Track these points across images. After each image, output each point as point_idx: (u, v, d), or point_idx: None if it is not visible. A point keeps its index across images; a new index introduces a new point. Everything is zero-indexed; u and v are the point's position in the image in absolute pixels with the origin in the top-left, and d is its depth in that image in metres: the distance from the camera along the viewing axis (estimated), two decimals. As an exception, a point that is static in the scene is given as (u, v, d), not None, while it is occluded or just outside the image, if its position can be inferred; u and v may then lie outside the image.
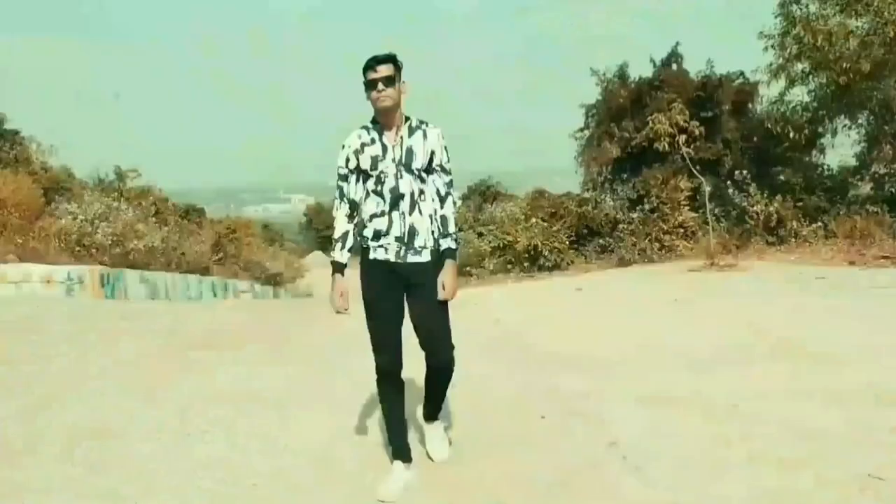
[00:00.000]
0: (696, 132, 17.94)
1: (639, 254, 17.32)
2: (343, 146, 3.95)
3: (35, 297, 14.28)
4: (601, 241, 19.33)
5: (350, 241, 3.95)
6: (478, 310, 10.96)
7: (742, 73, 19.00)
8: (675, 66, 19.88)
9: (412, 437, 4.34)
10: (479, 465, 4.14)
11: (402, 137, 3.88)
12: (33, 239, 17.72)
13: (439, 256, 3.92)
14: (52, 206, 20.85)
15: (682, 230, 17.40)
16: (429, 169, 3.92)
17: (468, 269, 21.45)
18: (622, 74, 20.58)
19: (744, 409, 4.89)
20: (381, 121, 3.88)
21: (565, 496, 3.71)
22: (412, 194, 3.86)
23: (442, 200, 3.95)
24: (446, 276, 3.89)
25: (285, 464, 4.26)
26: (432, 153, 3.91)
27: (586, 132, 21.56)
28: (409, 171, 3.86)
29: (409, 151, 3.86)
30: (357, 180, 3.94)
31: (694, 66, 19.83)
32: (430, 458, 4.30)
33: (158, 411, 5.38)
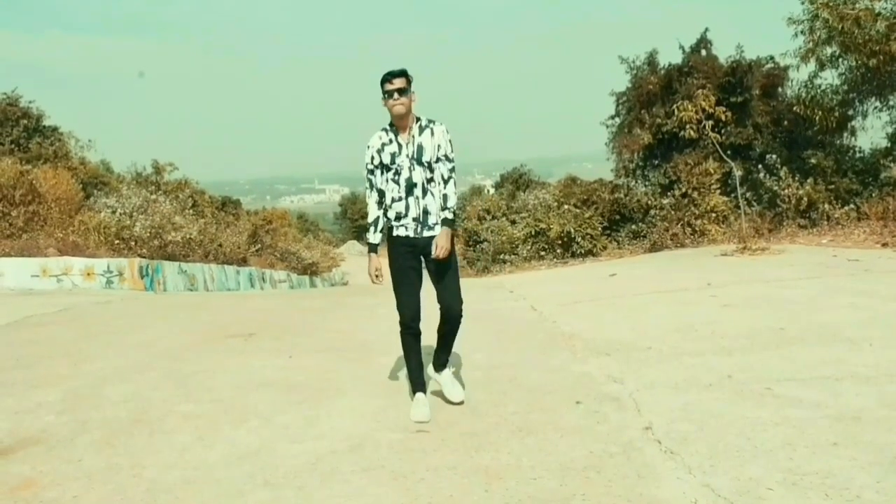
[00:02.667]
0: (724, 117, 17.75)
1: (671, 239, 17.19)
2: (368, 146, 4.81)
3: (76, 290, 14.50)
4: (633, 226, 19.24)
5: (381, 224, 4.85)
6: (512, 296, 10.93)
7: (771, 58, 18.70)
8: (704, 52, 19.66)
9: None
10: (514, 450, 4.12)
11: (413, 136, 4.74)
12: (73, 233, 17.93)
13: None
14: (90, 200, 21.09)
15: (713, 214, 17.23)
16: (438, 159, 4.76)
17: (502, 256, 21.44)
18: (651, 61, 20.40)
19: (777, 392, 4.83)
20: (396, 124, 4.73)
21: (600, 480, 3.68)
22: (423, 182, 4.74)
23: (445, 182, 4.79)
24: (440, 237, 4.71)
25: (323, 451, 4.27)
26: (438, 146, 4.76)
27: (617, 119, 21.43)
28: (420, 164, 4.73)
29: (420, 148, 4.73)
30: (381, 173, 4.79)
31: (723, 52, 19.61)
32: (449, 401, 5.04)
33: (197, 401, 5.43)
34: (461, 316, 4.91)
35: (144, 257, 17.72)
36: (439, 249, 4.66)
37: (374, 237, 4.85)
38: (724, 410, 4.55)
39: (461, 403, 5.02)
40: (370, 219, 4.84)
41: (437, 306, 4.85)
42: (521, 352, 6.68)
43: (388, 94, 4.63)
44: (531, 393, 5.25)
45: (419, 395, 4.94)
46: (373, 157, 4.79)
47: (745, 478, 3.58)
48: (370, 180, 4.82)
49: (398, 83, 4.61)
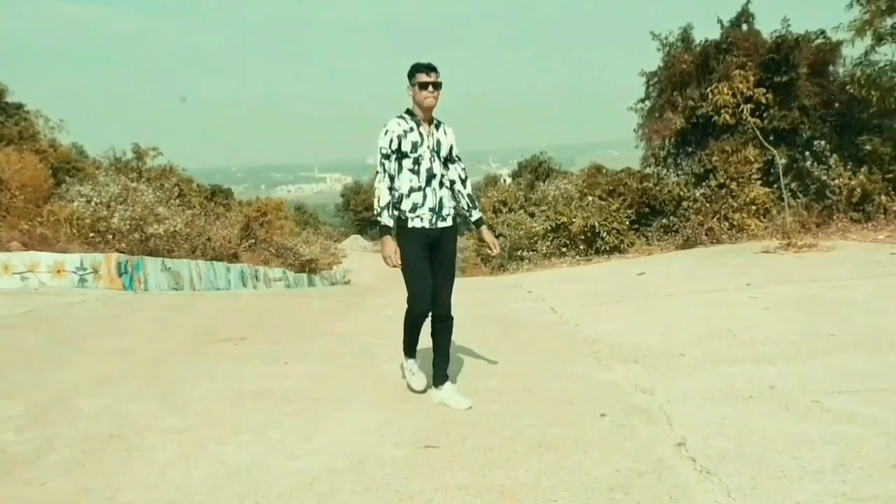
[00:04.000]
0: (764, 100, 17.60)
1: (706, 234, 17.09)
2: (386, 130, 5.22)
3: (43, 289, 14.46)
4: (664, 220, 19.15)
5: (391, 209, 5.23)
6: (531, 296, 10.89)
7: (822, 32, 18.41)
8: (745, 27, 19.48)
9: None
10: (532, 468, 4.08)
11: (433, 130, 5.32)
12: (41, 224, 17.73)
13: (456, 222, 5.43)
14: (62, 187, 20.97)
15: (753, 207, 17.10)
16: (449, 157, 5.40)
17: (519, 252, 21.40)
18: (686, 37, 20.24)
19: (827, 405, 4.77)
20: (420, 115, 5.26)
21: (627, 503, 3.64)
22: (441, 175, 5.32)
23: (464, 182, 5.50)
24: (489, 235, 5.59)
25: (321, 469, 4.24)
26: (451, 146, 5.41)
27: (647, 102, 21.32)
28: (438, 157, 5.32)
29: (438, 142, 5.33)
30: (396, 160, 5.23)
31: (767, 26, 19.39)
32: (457, 409, 5.17)
33: (181, 413, 5.41)
34: (451, 314, 5.39)
35: (123, 252, 17.63)
36: (496, 248, 5.53)
37: (389, 220, 5.18)
38: (767, 426, 4.50)
39: (470, 408, 5.17)
40: (383, 202, 5.16)
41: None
42: (539, 358, 6.64)
43: (423, 86, 5.16)
44: (551, 404, 5.22)
45: (411, 361, 5.68)
46: (392, 142, 5.20)
47: (791, 502, 3.53)
48: (384, 165, 5.19)
49: (436, 77, 5.18)
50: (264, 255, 28.42)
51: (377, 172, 5.17)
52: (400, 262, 5.16)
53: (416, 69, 5.19)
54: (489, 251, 5.65)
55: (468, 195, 5.50)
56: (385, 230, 5.16)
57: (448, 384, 5.41)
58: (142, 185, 21.79)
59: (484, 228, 5.58)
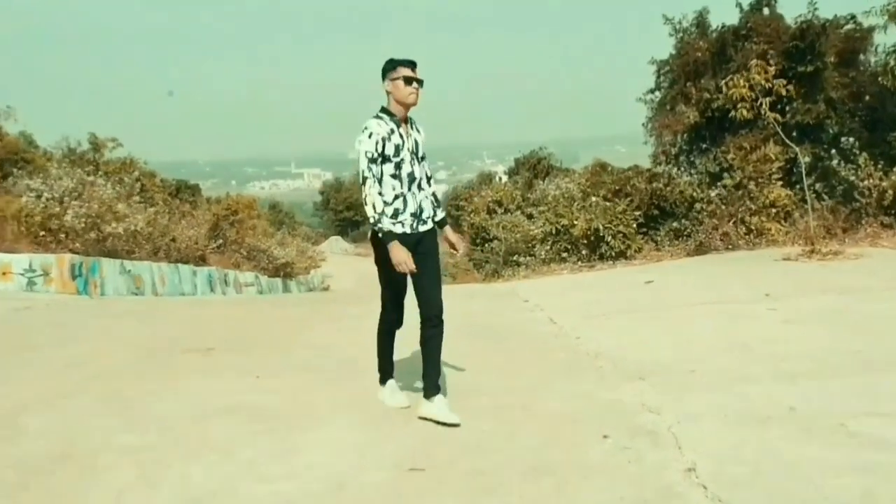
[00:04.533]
0: (784, 92, 17.57)
1: (721, 239, 17.11)
2: (371, 133, 5.31)
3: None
4: (675, 223, 19.17)
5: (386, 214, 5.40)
6: (527, 306, 10.90)
7: (852, 17, 18.36)
8: (766, 11, 19.49)
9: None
10: (527, 494, 4.09)
11: (410, 130, 5.50)
12: (-17, 222, 17.55)
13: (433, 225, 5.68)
14: (8, 181, 20.78)
15: (773, 210, 17.12)
16: (423, 157, 5.63)
17: (515, 257, 21.44)
18: (701, 22, 20.26)
19: (853, 429, 4.79)
20: (399, 114, 5.41)
21: (632, 534, 3.65)
22: (420, 178, 5.54)
23: (429, 181, 5.68)
24: (454, 235, 5.92)
25: (296, 494, 4.24)
26: (423, 143, 5.61)
27: (657, 93, 21.33)
28: (417, 158, 5.53)
29: (416, 143, 5.53)
30: (378, 164, 5.37)
31: (791, 10, 19.34)
32: (444, 424, 5.24)
33: (140, 431, 5.39)
34: (442, 315, 5.51)
35: (77, 253, 17.49)
36: (460, 248, 6.02)
37: (391, 224, 5.37)
38: (786, 450, 4.52)
39: (458, 426, 5.24)
40: (378, 208, 5.29)
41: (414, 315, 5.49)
42: (536, 374, 6.67)
43: (407, 81, 5.31)
44: (548, 424, 5.23)
45: (391, 381, 5.91)
46: (378, 144, 5.31)
47: (810, 533, 3.54)
48: (371, 169, 5.33)
49: (418, 73, 5.35)
50: (235, 257, 28.34)
51: (364, 178, 5.28)
52: (415, 266, 5.27)
53: (397, 63, 5.35)
54: (454, 251, 6.11)
55: (433, 193, 5.72)
56: (390, 236, 5.27)
57: (440, 397, 5.44)
58: (99, 179, 21.59)
59: (448, 228, 5.83)
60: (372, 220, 5.29)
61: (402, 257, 5.22)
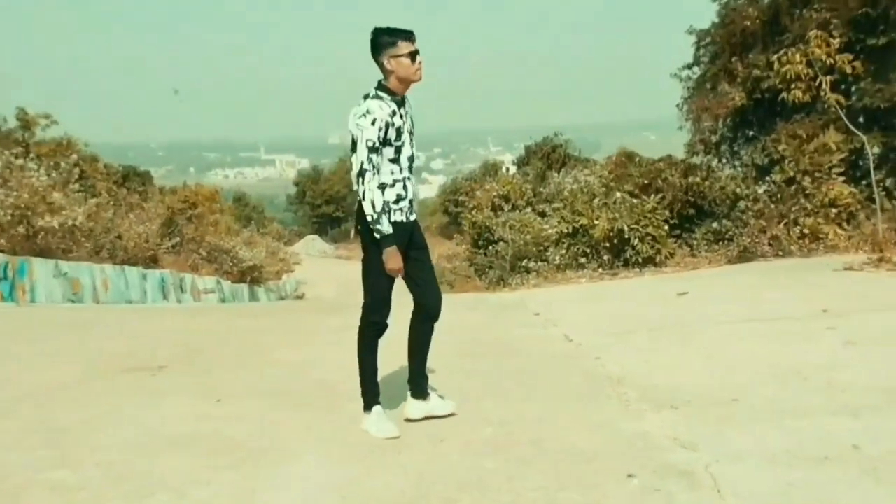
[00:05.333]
0: (849, 69, 17.49)
1: (769, 244, 17.14)
2: (374, 119, 5.48)
3: None
4: (715, 225, 19.21)
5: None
6: (539, 320, 10.91)
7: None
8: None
9: None
10: (536, 547, 4.07)
11: (408, 109, 5.75)
12: None
13: None
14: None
15: (833, 210, 17.13)
16: None
17: (525, 262, 21.44)
18: (751, -15, 20.28)
19: (927, 472, 4.77)
20: (400, 93, 5.64)
21: None
22: (416, 160, 5.84)
23: None
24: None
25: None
26: None
27: (696, 70, 21.35)
28: (414, 139, 5.80)
29: (412, 122, 5.79)
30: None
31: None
32: (439, 416, 5.93)
33: (75, 465, 5.37)
34: (441, 307, 5.89)
35: (2, 252, 17.48)
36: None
37: (390, 227, 5.56)
38: (848, 497, 4.50)
39: (452, 415, 5.98)
40: (378, 206, 5.48)
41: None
42: (548, 401, 6.65)
43: (413, 57, 5.53)
44: (562, 461, 5.21)
45: (378, 407, 5.89)
46: (381, 131, 5.50)
47: None
48: (371, 159, 5.51)
49: (417, 43, 5.58)
50: (193, 258, 28.39)
51: (363, 171, 5.47)
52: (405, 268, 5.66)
53: (397, 36, 5.54)
54: None
55: None
56: (388, 240, 5.51)
57: (434, 394, 6.04)
58: (30, 163, 21.52)
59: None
60: (370, 220, 5.47)
61: (398, 264, 5.54)
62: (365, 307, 5.86)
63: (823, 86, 17.26)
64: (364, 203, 5.48)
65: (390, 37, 5.50)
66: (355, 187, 5.56)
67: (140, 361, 8.50)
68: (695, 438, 5.53)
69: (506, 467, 5.09)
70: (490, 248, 25.62)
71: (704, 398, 6.52)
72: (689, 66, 21.33)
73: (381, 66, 5.55)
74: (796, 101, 17.61)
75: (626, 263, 18.62)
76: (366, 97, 5.62)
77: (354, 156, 5.52)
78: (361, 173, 5.46)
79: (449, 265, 31.49)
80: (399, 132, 5.60)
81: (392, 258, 5.51)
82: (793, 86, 17.57)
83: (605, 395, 6.80)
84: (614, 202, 19.90)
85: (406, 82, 5.59)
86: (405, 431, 5.62)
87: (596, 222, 19.40)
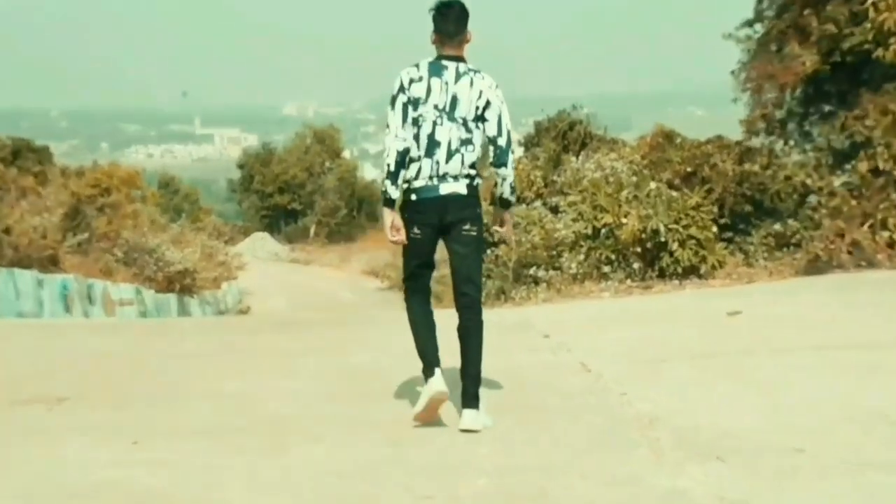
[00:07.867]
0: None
1: (848, 251, 17.13)
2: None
3: None
4: (777, 226, 19.22)
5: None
6: (547, 343, 10.93)
7: None
8: None
9: None
10: None
11: None
12: None
13: None
14: None
15: (931, 210, 17.16)
16: None
17: (532, 270, 21.43)
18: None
19: None
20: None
21: None
22: None
23: None
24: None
25: None
26: None
27: (757, 28, 21.35)
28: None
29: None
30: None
31: None
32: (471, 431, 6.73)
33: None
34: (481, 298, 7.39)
35: None
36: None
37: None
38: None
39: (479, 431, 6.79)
40: (393, 167, 6.88)
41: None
42: (558, 446, 6.67)
43: None
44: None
45: (437, 371, 7.04)
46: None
47: None
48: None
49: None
50: (105, 260, 28.35)
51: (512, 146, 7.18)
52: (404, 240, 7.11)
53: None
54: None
55: None
56: (389, 201, 7.04)
57: (481, 410, 6.98)
58: None
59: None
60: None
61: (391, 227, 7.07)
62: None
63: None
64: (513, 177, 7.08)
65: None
66: (509, 168, 6.98)
67: (34, 392, 8.49)
68: (747, 498, 5.55)
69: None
70: (489, 251, 25.60)
71: (759, 446, 6.54)
72: (750, 23, 21.25)
73: (464, 36, 6.64)
74: (890, 63, 17.31)
75: (662, 274, 18.64)
76: (475, 70, 6.73)
77: (501, 132, 6.90)
78: (510, 148, 6.85)
79: (436, 274, 31.41)
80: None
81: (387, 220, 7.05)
82: (889, 43, 17.24)
83: (631, 440, 6.82)
84: (648, 195, 19.88)
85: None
86: (380, 487, 5.61)
87: (624, 221, 19.38)
